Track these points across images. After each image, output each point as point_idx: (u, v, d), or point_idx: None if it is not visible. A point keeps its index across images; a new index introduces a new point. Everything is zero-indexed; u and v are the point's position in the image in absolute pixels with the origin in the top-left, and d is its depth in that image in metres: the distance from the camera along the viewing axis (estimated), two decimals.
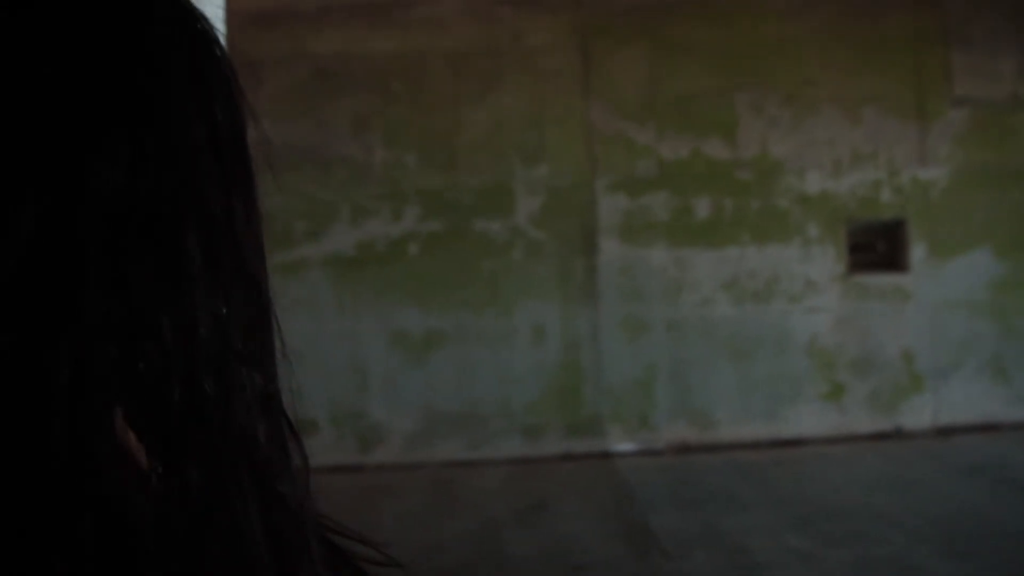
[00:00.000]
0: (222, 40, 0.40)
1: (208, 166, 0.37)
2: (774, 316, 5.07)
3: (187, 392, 0.35)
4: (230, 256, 0.38)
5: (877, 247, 5.15)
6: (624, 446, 5.02)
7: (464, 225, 5.00)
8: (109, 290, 0.33)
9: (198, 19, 0.39)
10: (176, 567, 0.33)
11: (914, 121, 5.08)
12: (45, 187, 0.33)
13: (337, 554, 0.43)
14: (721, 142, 5.04)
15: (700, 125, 5.02)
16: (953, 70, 5.07)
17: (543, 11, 5.00)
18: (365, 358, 4.97)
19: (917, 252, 5.09)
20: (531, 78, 5.01)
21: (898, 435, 5.03)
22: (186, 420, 0.35)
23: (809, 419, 5.04)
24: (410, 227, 5.00)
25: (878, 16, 5.01)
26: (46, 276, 0.33)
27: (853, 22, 5.01)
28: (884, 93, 5.03)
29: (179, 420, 0.35)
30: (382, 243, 5.00)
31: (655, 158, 5.04)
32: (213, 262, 0.36)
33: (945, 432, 5.01)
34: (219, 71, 0.39)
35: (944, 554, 3.41)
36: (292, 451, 0.40)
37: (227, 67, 0.39)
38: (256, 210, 0.41)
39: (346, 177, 4.98)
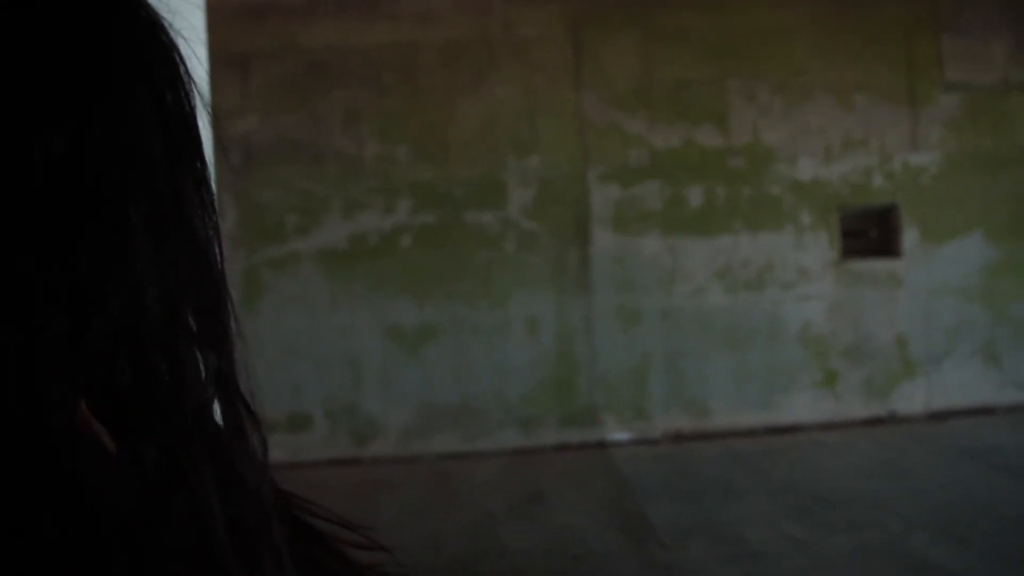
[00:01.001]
0: (171, 28, 0.41)
1: (154, 141, 0.37)
2: (767, 304, 5.08)
3: (137, 369, 0.34)
4: (177, 230, 0.38)
5: (869, 233, 5.16)
6: (619, 436, 5.03)
7: (457, 217, 4.99)
8: (54, 261, 0.33)
9: (143, 7, 0.40)
10: (134, 548, 0.32)
11: (905, 107, 5.08)
12: None
13: (317, 537, 0.43)
14: (713, 130, 5.03)
15: (692, 114, 5.01)
16: (944, 56, 5.08)
17: (534, 2, 4.98)
18: (359, 352, 4.96)
19: (909, 238, 5.11)
20: (523, 69, 4.99)
21: (892, 420, 5.06)
22: (137, 398, 0.34)
23: (803, 406, 5.06)
24: (403, 220, 4.98)
25: (869, 3, 5.00)
26: None
27: (844, 9, 5.00)
28: (875, 80, 5.03)
29: (131, 398, 0.34)
30: (375, 236, 4.98)
31: (647, 147, 5.03)
32: (158, 235, 0.36)
33: (938, 417, 5.04)
34: (165, 54, 0.40)
35: (940, 539, 3.43)
36: (250, 432, 0.40)
37: (174, 52, 0.41)
38: (207, 191, 0.41)
39: (338, 170, 4.95)
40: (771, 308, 5.07)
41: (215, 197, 0.42)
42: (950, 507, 3.73)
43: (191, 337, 0.37)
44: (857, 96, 5.05)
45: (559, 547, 3.67)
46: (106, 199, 0.35)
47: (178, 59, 0.41)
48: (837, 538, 3.53)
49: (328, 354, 4.94)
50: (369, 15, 4.95)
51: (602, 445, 4.97)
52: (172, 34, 0.41)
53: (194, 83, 0.41)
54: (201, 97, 0.41)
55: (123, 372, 0.34)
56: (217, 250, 0.41)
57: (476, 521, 3.96)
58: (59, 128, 0.34)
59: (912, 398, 5.10)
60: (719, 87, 5.01)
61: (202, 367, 0.38)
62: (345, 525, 0.44)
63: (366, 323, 4.97)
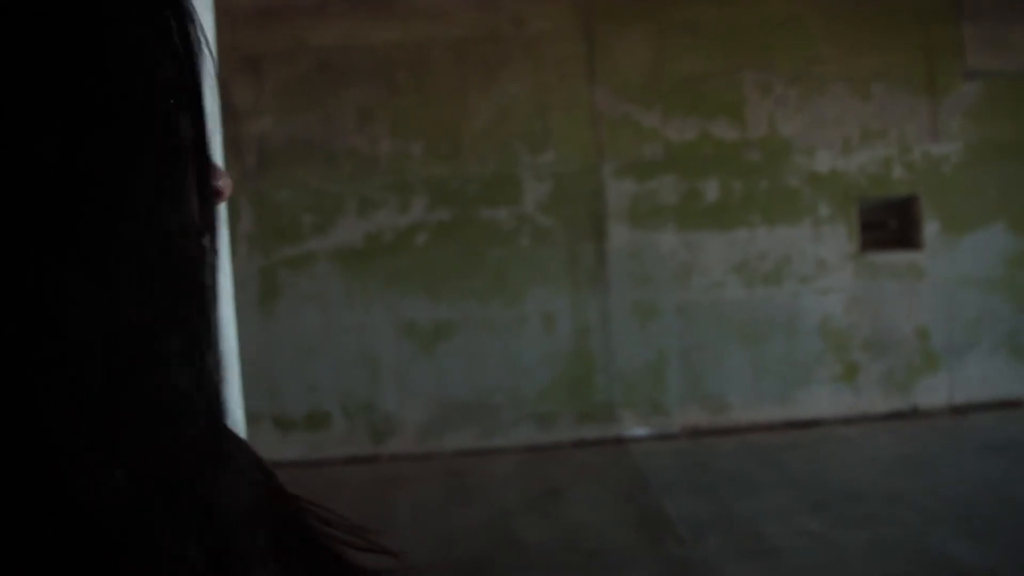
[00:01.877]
0: (197, 23, 0.38)
1: (139, 145, 0.35)
2: (785, 297, 5.03)
3: (104, 387, 0.32)
4: (163, 249, 0.35)
5: (889, 225, 5.09)
6: (637, 431, 5.00)
7: (471, 214, 4.99)
8: (22, 266, 0.31)
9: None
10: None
11: (925, 96, 5.00)
12: None
13: (324, 543, 0.42)
14: (728, 123, 4.99)
15: (707, 106, 4.97)
16: (965, 43, 4.98)
17: None
18: (375, 349, 4.98)
19: (930, 229, 5.03)
20: (535, 64, 4.97)
21: (913, 414, 4.99)
22: (106, 420, 0.32)
23: (823, 400, 5.01)
24: (417, 217, 4.99)
25: None
26: None
27: None
28: (894, 68, 4.95)
29: (100, 420, 0.32)
30: (389, 234, 4.99)
31: (662, 141, 5.00)
32: (142, 252, 0.34)
33: (961, 410, 4.96)
34: (177, 40, 0.37)
35: (961, 534, 3.38)
36: (233, 457, 0.39)
37: (190, 38, 0.38)
38: (207, 207, 0.39)
39: (352, 169, 4.97)
40: (789, 302, 5.02)
41: (217, 211, 0.40)
42: (971, 502, 3.68)
43: (167, 355, 0.35)
44: (875, 86, 4.98)
45: (575, 543, 3.66)
46: (81, 210, 0.33)
47: (190, 38, 0.38)
48: (856, 533, 3.49)
49: (344, 352, 4.97)
50: (380, 13, 4.96)
51: (619, 441, 4.95)
52: (194, 26, 0.38)
53: (204, 62, 0.38)
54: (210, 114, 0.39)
55: (89, 389, 0.32)
56: (209, 265, 0.38)
57: (492, 517, 3.96)
58: (48, 129, 0.32)
59: (934, 392, 5.03)
60: (734, 79, 4.96)
61: (175, 388, 0.35)
62: (354, 529, 0.43)
63: (382, 321, 4.98)
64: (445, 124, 4.96)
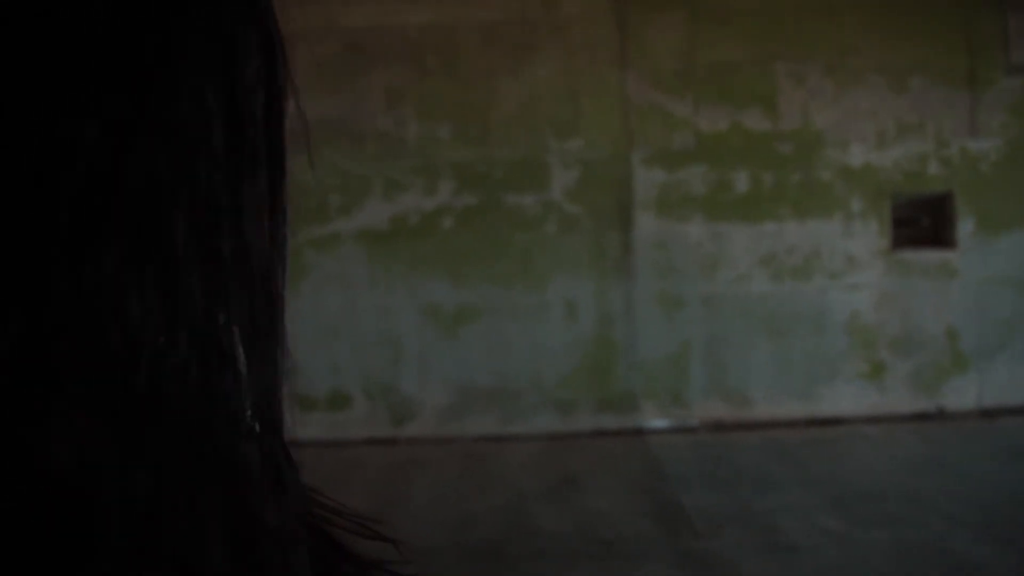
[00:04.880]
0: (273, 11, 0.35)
1: (217, 145, 0.32)
2: (813, 292, 4.96)
3: (149, 389, 0.30)
4: (231, 250, 0.33)
5: (922, 222, 4.99)
6: (657, 423, 4.98)
7: (497, 199, 4.97)
8: (76, 264, 0.29)
9: None
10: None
11: (965, 90, 4.87)
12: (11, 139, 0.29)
13: (327, 541, 0.41)
14: (760, 113, 4.91)
15: (739, 96, 4.90)
16: (1009, 35, 4.84)
17: None
18: (398, 332, 5.00)
19: (965, 227, 4.92)
20: (565, 49, 4.92)
21: (940, 416, 4.90)
22: (147, 420, 0.30)
23: (848, 398, 4.94)
24: (443, 201, 4.98)
25: None
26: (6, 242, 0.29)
27: None
28: (932, 61, 4.83)
29: (140, 417, 0.30)
30: (415, 217, 4.99)
31: (692, 130, 4.94)
32: (205, 251, 0.32)
33: (990, 414, 4.87)
34: (257, 35, 0.33)
35: (984, 539, 3.32)
36: (287, 479, 0.37)
37: (270, 31, 0.34)
38: (281, 205, 0.37)
39: (379, 151, 4.97)
40: (817, 297, 4.95)
41: (287, 223, 0.37)
42: (997, 507, 3.61)
43: (235, 362, 0.33)
44: (912, 78, 4.87)
45: (592, 532, 3.66)
46: (144, 202, 0.30)
47: (272, 40, 0.34)
48: (876, 533, 3.44)
49: (367, 334, 4.99)
50: None
51: (639, 432, 4.93)
52: (272, 11, 0.35)
53: (287, 69, 0.35)
54: (292, 86, 0.35)
55: (133, 386, 0.30)
56: (278, 281, 0.36)
57: (509, 503, 3.96)
58: (98, 117, 0.29)
59: (962, 393, 4.94)
60: (767, 69, 4.87)
61: (245, 401, 0.33)
62: (358, 519, 0.42)
63: (405, 304, 4.99)
64: (473, 107, 4.94)
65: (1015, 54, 4.85)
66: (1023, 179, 4.87)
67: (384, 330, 4.99)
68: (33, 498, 0.28)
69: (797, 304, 4.95)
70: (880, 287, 4.95)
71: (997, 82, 4.87)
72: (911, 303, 4.94)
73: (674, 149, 4.95)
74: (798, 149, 4.93)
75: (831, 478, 4.09)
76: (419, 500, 4.04)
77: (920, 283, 4.95)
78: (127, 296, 0.30)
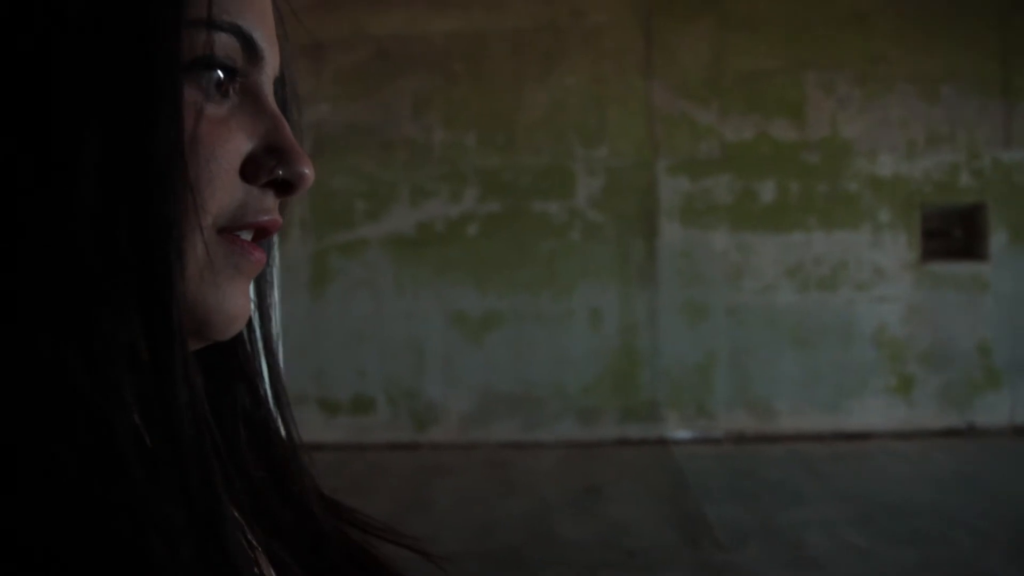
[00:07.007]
0: None
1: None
2: (840, 304, 4.90)
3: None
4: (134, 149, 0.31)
5: (953, 234, 4.91)
6: (681, 433, 4.94)
7: (523, 206, 4.97)
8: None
9: None
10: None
11: (999, 99, 4.79)
12: None
13: (361, 550, 0.42)
14: (788, 123, 4.87)
15: (766, 105, 4.86)
16: None
17: None
18: (423, 337, 5.02)
19: (997, 239, 4.83)
20: (592, 57, 4.92)
21: (971, 432, 4.81)
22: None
23: (875, 412, 4.87)
24: (469, 208, 5.00)
25: None
26: None
27: None
28: (965, 69, 4.76)
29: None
30: (441, 224, 5.02)
31: (718, 139, 4.91)
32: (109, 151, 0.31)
33: (1022, 431, 4.77)
34: None
35: (1015, 559, 3.26)
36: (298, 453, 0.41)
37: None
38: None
39: (406, 158, 5.00)
40: (844, 308, 4.89)
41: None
42: None
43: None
44: (944, 87, 4.79)
45: (613, 541, 3.64)
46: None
47: None
48: (903, 551, 3.38)
49: (392, 339, 5.01)
50: (438, 4, 4.97)
51: (662, 442, 4.90)
52: None
53: None
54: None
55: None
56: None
57: (531, 510, 3.96)
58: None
59: (994, 409, 4.84)
60: (795, 78, 4.83)
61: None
62: (391, 535, 0.43)
63: (430, 309, 5.01)
64: (500, 115, 4.95)
65: None
66: None
67: (409, 335, 5.01)
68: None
69: (824, 315, 4.89)
70: (909, 299, 4.88)
71: None
72: (941, 316, 4.86)
73: (700, 158, 4.92)
74: (826, 159, 4.88)
75: (857, 493, 4.03)
76: (441, 505, 4.04)
77: (951, 296, 4.86)
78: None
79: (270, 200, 0.37)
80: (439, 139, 5.00)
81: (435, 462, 4.71)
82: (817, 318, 4.89)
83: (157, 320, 0.31)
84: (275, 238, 0.40)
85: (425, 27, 4.96)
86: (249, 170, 0.36)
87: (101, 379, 0.30)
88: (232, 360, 0.42)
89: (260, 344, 0.43)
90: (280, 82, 0.40)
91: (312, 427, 5.01)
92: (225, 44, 0.35)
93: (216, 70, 0.35)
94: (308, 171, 0.38)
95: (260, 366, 0.42)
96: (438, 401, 5.03)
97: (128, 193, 0.31)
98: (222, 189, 0.35)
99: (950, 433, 4.80)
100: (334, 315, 4.99)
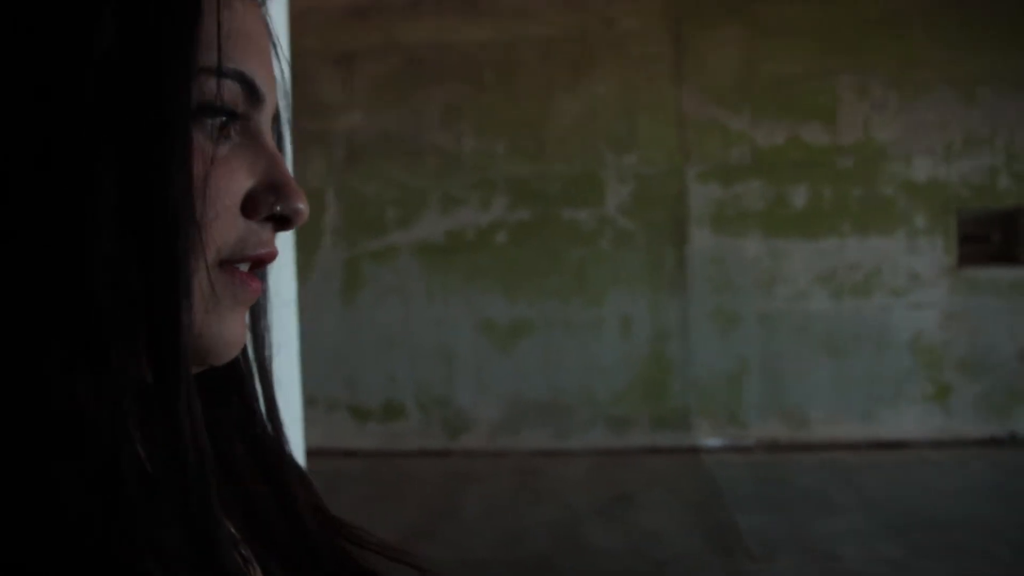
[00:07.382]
0: None
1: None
2: (875, 311, 4.82)
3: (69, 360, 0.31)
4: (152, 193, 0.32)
5: (992, 238, 4.81)
6: (712, 441, 4.90)
7: (553, 214, 4.98)
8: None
9: None
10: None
11: None
12: None
13: (361, 568, 0.43)
14: (820, 127, 4.81)
15: (798, 110, 4.81)
16: None
17: None
18: (453, 345, 5.04)
19: None
20: (622, 64, 4.92)
21: (1011, 442, 4.70)
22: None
23: (911, 421, 4.78)
24: (499, 215, 5.02)
25: None
26: None
27: None
28: (1003, 71, 4.67)
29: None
30: (471, 231, 5.04)
31: (749, 145, 4.87)
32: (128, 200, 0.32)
33: None
34: None
35: None
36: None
37: None
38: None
39: (437, 165, 5.04)
40: (879, 315, 4.81)
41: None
42: None
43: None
44: (981, 89, 4.70)
45: (643, 550, 3.61)
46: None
47: None
48: (939, 563, 3.31)
49: (422, 346, 5.04)
50: (469, 13, 5.00)
51: (694, 450, 4.86)
52: None
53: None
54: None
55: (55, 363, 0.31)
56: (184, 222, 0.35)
57: (560, 519, 3.95)
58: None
59: None
60: (827, 82, 4.78)
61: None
62: (387, 550, 0.43)
63: (460, 316, 5.04)
64: (529, 123, 4.97)
65: None
66: None
67: (439, 342, 5.04)
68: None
69: (858, 322, 4.82)
70: (946, 305, 4.78)
71: None
72: (980, 322, 4.76)
73: (730, 164, 4.89)
74: (859, 163, 4.81)
75: (892, 504, 3.96)
76: (471, 513, 4.06)
77: (990, 302, 4.76)
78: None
79: (268, 233, 0.39)
80: (469, 147, 5.03)
81: (466, 469, 4.72)
82: (851, 325, 4.82)
83: (165, 355, 0.33)
84: (268, 267, 0.42)
85: (456, 36, 4.99)
86: (249, 206, 0.38)
87: (109, 410, 0.31)
88: (228, 378, 0.44)
89: (255, 366, 0.44)
90: (275, 118, 0.42)
91: (344, 434, 5.05)
92: (230, 90, 0.37)
93: (221, 115, 0.37)
94: (303, 207, 0.40)
95: (255, 385, 0.44)
96: (468, 408, 5.05)
97: (140, 234, 0.33)
98: (225, 225, 0.37)
99: (990, 442, 4.69)
100: (365, 321, 5.04)
